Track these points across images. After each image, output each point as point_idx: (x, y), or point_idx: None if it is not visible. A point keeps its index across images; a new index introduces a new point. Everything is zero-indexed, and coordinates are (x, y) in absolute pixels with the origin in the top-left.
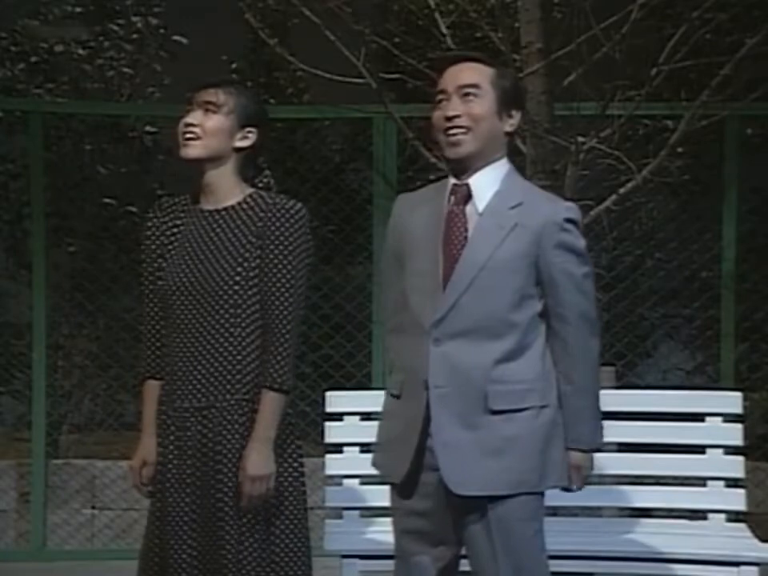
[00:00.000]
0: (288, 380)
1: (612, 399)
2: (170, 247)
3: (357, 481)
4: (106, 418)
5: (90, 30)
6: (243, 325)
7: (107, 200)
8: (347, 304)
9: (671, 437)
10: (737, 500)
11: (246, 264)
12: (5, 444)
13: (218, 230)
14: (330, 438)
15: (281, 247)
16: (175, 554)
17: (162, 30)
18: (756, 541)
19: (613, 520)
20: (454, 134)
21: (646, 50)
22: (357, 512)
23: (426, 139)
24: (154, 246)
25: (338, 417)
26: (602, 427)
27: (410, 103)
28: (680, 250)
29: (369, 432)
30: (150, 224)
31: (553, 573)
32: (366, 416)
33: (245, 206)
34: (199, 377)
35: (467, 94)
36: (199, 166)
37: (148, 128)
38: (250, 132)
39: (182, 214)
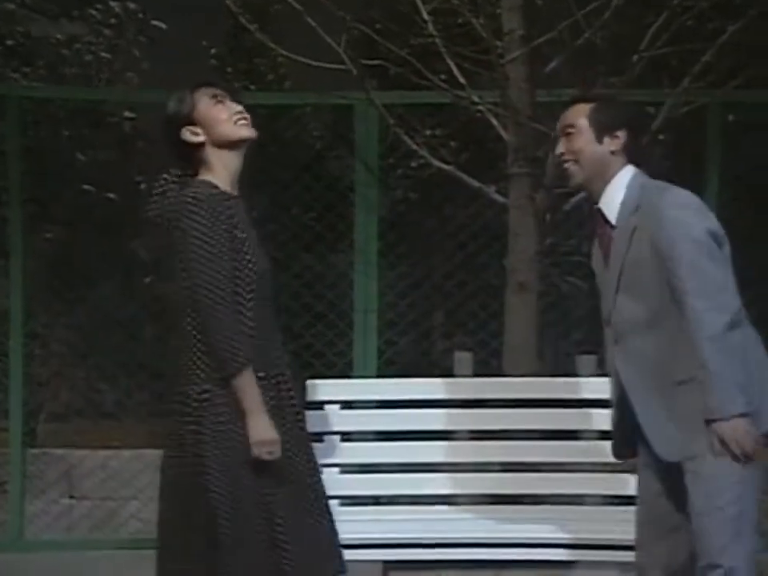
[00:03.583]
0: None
1: (594, 387)
2: (243, 234)
3: (337, 470)
4: (84, 406)
5: (68, 14)
6: None
7: (86, 187)
8: (329, 292)
9: None
10: None
11: None
12: None
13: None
14: (311, 426)
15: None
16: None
17: (140, 15)
18: None
19: (595, 508)
20: (565, 168)
21: (628, 37)
22: (337, 501)
23: (407, 126)
24: (240, 234)
25: (318, 405)
26: (737, 395)
27: (392, 90)
28: None
29: (349, 421)
30: (231, 212)
31: (534, 561)
32: (347, 405)
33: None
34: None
35: (568, 134)
36: (239, 150)
37: (127, 114)
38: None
39: (228, 202)
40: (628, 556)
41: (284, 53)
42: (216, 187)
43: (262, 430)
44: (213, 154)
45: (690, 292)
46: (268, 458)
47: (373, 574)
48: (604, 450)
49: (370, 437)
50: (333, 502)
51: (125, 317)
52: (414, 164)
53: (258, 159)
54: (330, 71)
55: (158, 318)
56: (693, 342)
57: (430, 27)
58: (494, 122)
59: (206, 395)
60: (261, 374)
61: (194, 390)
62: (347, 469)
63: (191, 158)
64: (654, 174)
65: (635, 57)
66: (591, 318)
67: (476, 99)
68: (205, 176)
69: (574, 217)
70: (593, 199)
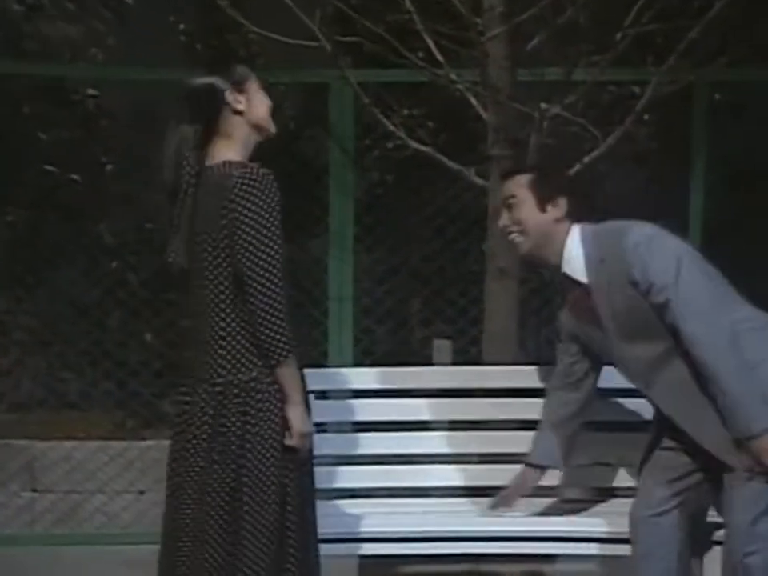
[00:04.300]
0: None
1: None
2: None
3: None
4: (47, 396)
5: None
6: None
7: (48, 167)
8: (302, 279)
9: None
10: None
11: None
12: None
13: None
14: None
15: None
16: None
17: None
18: None
19: (576, 500)
20: (511, 240)
21: (612, 14)
22: None
23: (384, 105)
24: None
25: None
26: (761, 409)
27: (368, 68)
28: (646, 220)
29: (324, 411)
30: (276, 191)
31: (513, 555)
32: (322, 395)
33: None
34: None
35: (509, 205)
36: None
37: (91, 91)
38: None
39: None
40: (609, 549)
41: (256, 29)
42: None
43: (301, 421)
44: (240, 128)
45: (680, 318)
46: (301, 448)
47: (348, 568)
48: (584, 441)
49: (346, 428)
50: None
51: (89, 303)
52: (390, 145)
53: None
54: (304, 48)
55: (124, 304)
56: (700, 366)
57: (408, 3)
58: (474, 101)
59: (253, 383)
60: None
61: (241, 378)
62: (322, 461)
63: (215, 123)
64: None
65: (619, 34)
66: None
67: (455, 78)
68: (224, 147)
69: None
70: (541, 265)
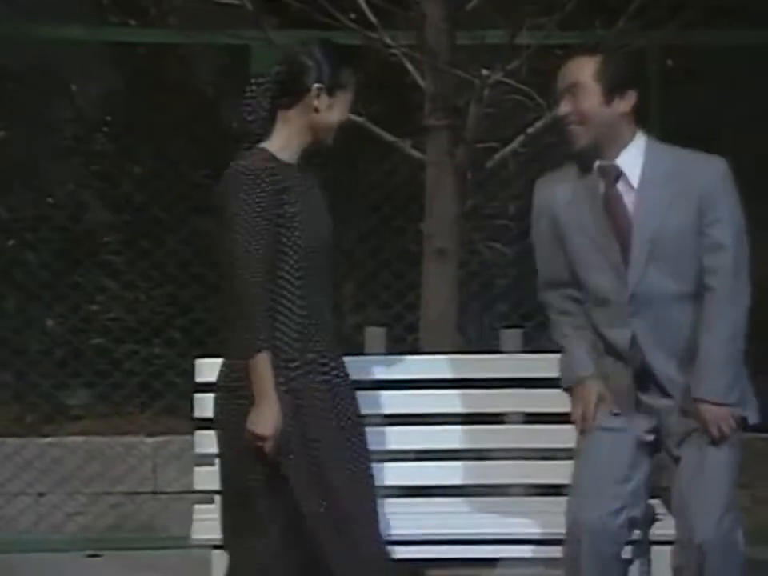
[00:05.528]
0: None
1: (517, 364)
2: (293, 209)
3: None
4: None
5: None
6: None
7: None
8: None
9: None
10: None
11: None
12: None
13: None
14: (201, 411)
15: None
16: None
17: None
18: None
19: (523, 499)
20: (568, 130)
21: None
22: None
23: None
24: (290, 209)
25: (209, 388)
26: (735, 386)
27: (293, 30)
28: None
29: None
30: (280, 186)
31: (452, 559)
32: None
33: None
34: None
35: (572, 93)
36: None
37: None
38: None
39: (276, 176)
40: (556, 552)
41: None
42: (273, 158)
43: (260, 422)
44: (300, 124)
45: (729, 268)
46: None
47: None
48: (530, 435)
49: None
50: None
51: None
52: None
53: (139, 107)
54: (223, 6)
55: (22, 286)
56: (714, 311)
57: None
58: (410, 67)
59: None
60: (310, 356)
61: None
62: None
63: (285, 100)
64: None
65: None
66: (517, 289)
67: (389, 41)
68: (273, 140)
69: (499, 175)
70: (597, 158)
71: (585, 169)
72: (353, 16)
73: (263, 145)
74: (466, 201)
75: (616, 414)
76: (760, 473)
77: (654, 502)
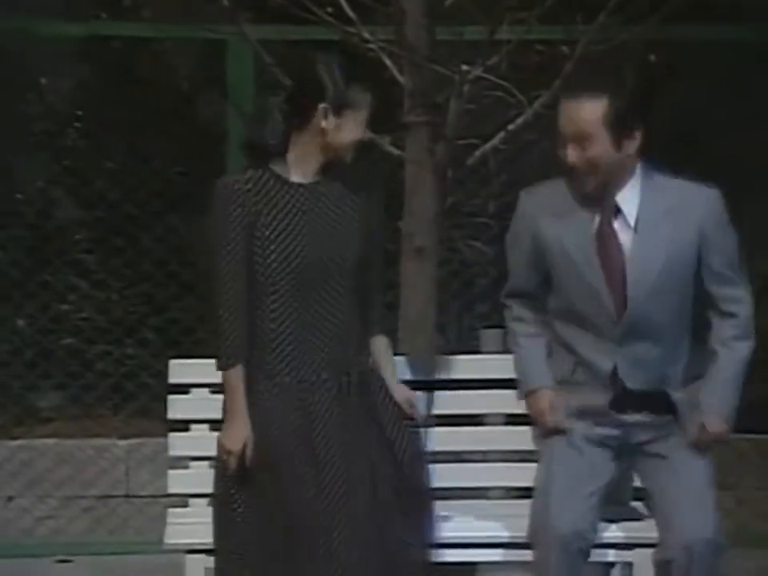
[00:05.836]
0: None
1: (498, 365)
2: (274, 223)
3: (205, 463)
4: None
5: None
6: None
7: None
8: (198, 259)
9: None
10: None
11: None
12: None
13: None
14: (174, 413)
15: None
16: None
17: None
18: None
19: (502, 502)
20: (576, 177)
21: None
22: (205, 500)
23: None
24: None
25: (183, 389)
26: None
27: (270, 24)
28: None
29: (219, 407)
30: (251, 201)
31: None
32: (217, 388)
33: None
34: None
35: (580, 142)
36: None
37: None
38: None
39: (273, 188)
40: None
41: None
42: (276, 177)
43: (228, 436)
44: (313, 144)
45: (747, 296)
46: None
47: None
48: (511, 437)
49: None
50: (200, 502)
51: None
52: None
53: (111, 102)
54: (198, 0)
55: None
56: (736, 333)
57: None
58: (388, 62)
59: None
60: (286, 379)
61: None
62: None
63: (297, 115)
64: None
65: None
66: (498, 288)
67: (367, 36)
68: (288, 158)
69: (479, 172)
70: (600, 196)
71: (580, 197)
72: (330, 10)
73: (273, 164)
74: (446, 198)
75: (579, 419)
76: (744, 473)
77: (635, 504)
